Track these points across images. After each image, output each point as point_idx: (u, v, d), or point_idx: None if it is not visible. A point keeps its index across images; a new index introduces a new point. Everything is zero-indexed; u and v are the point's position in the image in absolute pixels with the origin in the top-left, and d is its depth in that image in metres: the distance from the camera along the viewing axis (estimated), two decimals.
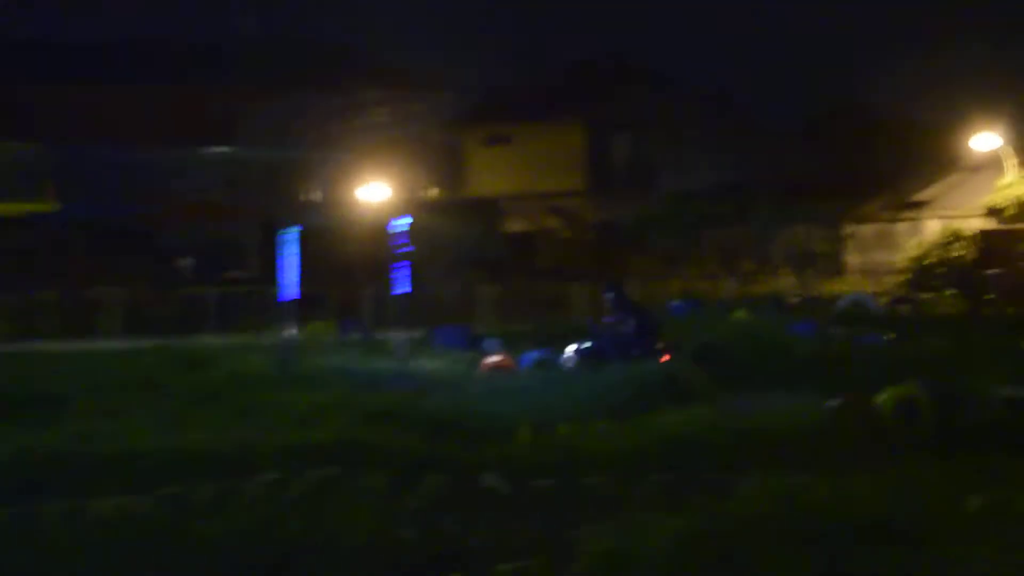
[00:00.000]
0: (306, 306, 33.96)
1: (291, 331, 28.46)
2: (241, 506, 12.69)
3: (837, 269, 57.39)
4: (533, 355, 27.38)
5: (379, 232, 40.77)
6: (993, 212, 53.34)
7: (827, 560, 10.17)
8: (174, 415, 19.77)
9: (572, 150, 68.42)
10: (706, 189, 61.86)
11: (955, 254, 52.52)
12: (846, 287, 52.89)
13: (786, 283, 54.13)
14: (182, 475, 14.15)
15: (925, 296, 47.42)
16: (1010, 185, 53.13)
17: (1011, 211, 52.40)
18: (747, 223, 56.77)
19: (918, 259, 53.45)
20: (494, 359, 27.38)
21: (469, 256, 54.41)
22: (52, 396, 22.41)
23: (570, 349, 26.32)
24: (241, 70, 52.85)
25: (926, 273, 52.09)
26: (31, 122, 47.30)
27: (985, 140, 54.98)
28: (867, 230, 58.69)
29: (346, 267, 48.06)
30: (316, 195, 56.85)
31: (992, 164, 55.27)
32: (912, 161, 59.60)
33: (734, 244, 58.44)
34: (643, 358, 24.54)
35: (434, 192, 67.27)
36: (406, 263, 26.68)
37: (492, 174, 69.51)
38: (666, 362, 24.61)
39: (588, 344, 26.29)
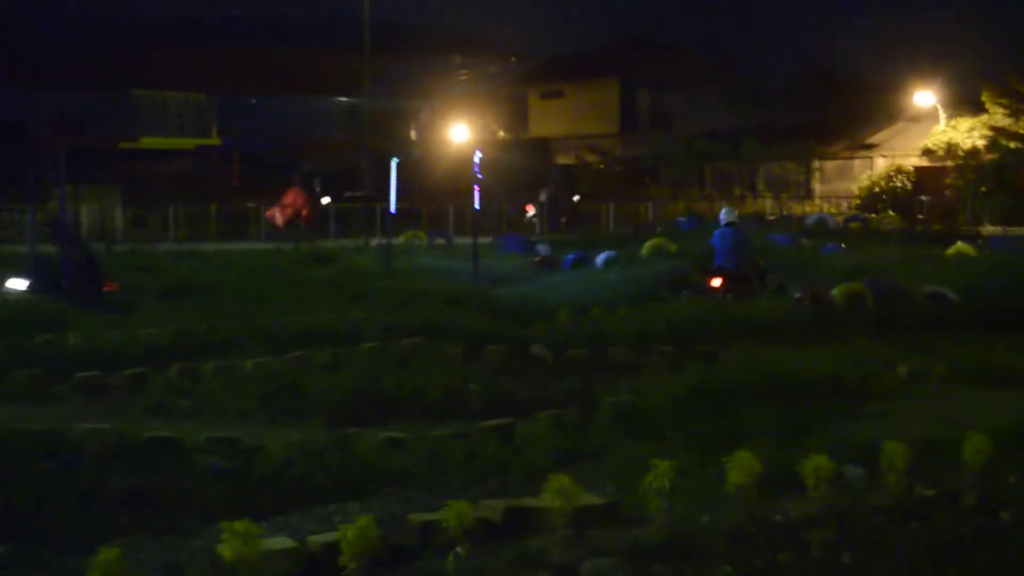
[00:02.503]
0: (403, 218, 33.99)
1: (391, 237, 28.45)
2: (350, 366, 12.76)
3: (806, 194, 57.07)
4: (572, 256, 27.31)
5: (460, 163, 40.72)
6: (927, 153, 53.01)
7: (790, 407, 10.13)
8: (303, 299, 19.82)
9: (608, 102, 68.44)
10: (708, 132, 61.39)
11: (897, 184, 53.03)
12: (812, 208, 52.81)
13: (767, 204, 53.87)
14: (307, 343, 14.22)
15: (872, 216, 47.02)
16: (942, 132, 52.82)
17: (941, 152, 52.22)
18: (738, 158, 56.33)
19: (868, 188, 53.86)
20: (544, 258, 27.37)
21: (528, 182, 54.20)
22: (212, 283, 22.56)
23: (13, 282, 19.15)
24: (359, 40, 52.67)
25: (874, 199, 52.31)
26: (201, 77, 47.32)
27: (923, 96, 55.08)
28: (830, 165, 58.39)
29: (434, 189, 48.06)
30: (414, 134, 56.71)
31: (928, 115, 54.94)
32: (866, 112, 59.01)
33: (728, 174, 58.17)
34: (85, 290, 18.87)
35: (502, 133, 67.18)
36: (479, 187, 26.54)
37: (547, 120, 69.68)
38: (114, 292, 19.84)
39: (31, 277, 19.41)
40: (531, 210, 42.70)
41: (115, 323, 16.36)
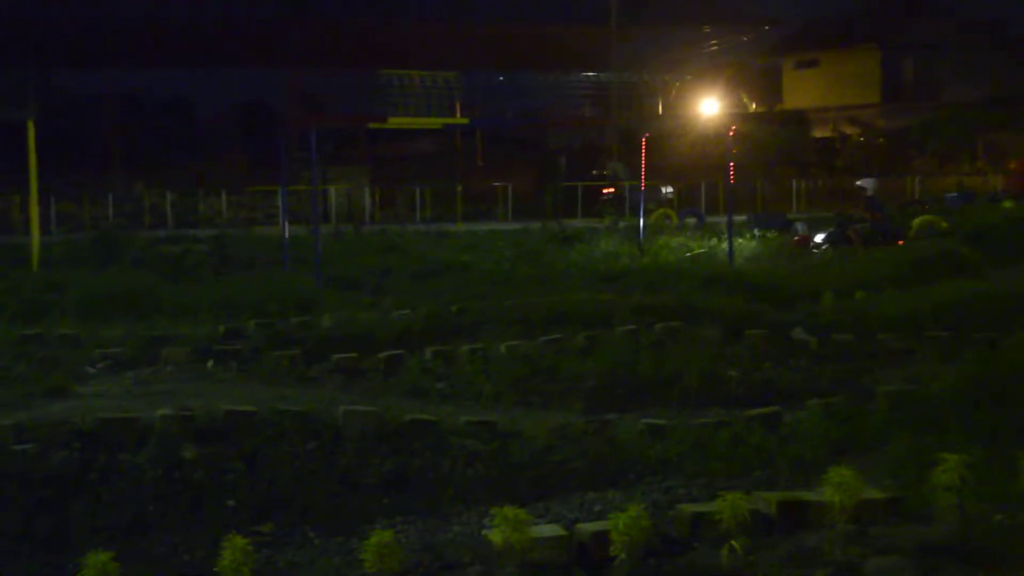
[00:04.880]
0: (653, 196, 33.96)
1: (641, 216, 28.43)
2: (604, 349, 12.79)
3: None
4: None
5: (711, 138, 40.32)
6: None
7: None
8: (551, 280, 20.02)
9: (868, 70, 66.33)
10: (978, 101, 58.80)
11: None
12: None
13: None
14: (558, 325, 14.33)
15: None
16: None
17: None
18: (1013, 129, 53.75)
19: None
20: (802, 238, 26.83)
21: (782, 157, 53.28)
22: (460, 264, 23.07)
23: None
24: (605, 13, 52.72)
25: None
26: (447, 54, 48.30)
27: None
28: None
29: (685, 165, 47.75)
30: (662, 109, 56.43)
31: None
32: None
33: (1001, 146, 55.56)
34: None
35: (754, 106, 66.13)
36: (733, 163, 26.23)
37: (801, 91, 68.16)
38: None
39: None
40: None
41: (368, 304, 16.92)
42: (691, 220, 35.90)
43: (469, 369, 11.93)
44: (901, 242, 22.83)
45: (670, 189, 43.15)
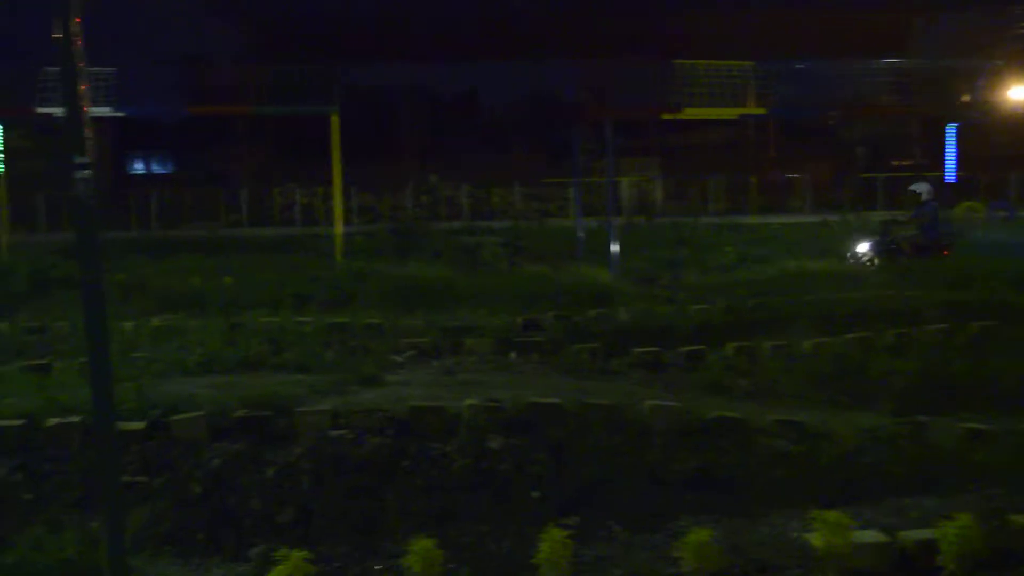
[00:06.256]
0: (960, 188, 32.72)
1: (947, 208, 27.40)
2: (915, 348, 12.41)
3: None
4: None
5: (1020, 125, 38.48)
6: None
7: None
8: (853, 274, 19.55)
9: None
10: None
11: None
12: None
13: None
14: (860, 322, 13.98)
15: None
16: None
17: None
18: None
19: None
20: None
21: None
22: (754, 257, 22.82)
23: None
24: None
25: None
26: (741, 42, 47.84)
27: None
28: None
29: (995, 156, 45.77)
30: (968, 96, 54.32)
31: None
32: None
33: None
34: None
35: None
36: None
37: None
38: None
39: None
40: None
41: (663, 298, 16.94)
42: (1001, 212, 34.42)
43: (772, 366, 11.77)
44: (947, 252, 21.13)
45: None
